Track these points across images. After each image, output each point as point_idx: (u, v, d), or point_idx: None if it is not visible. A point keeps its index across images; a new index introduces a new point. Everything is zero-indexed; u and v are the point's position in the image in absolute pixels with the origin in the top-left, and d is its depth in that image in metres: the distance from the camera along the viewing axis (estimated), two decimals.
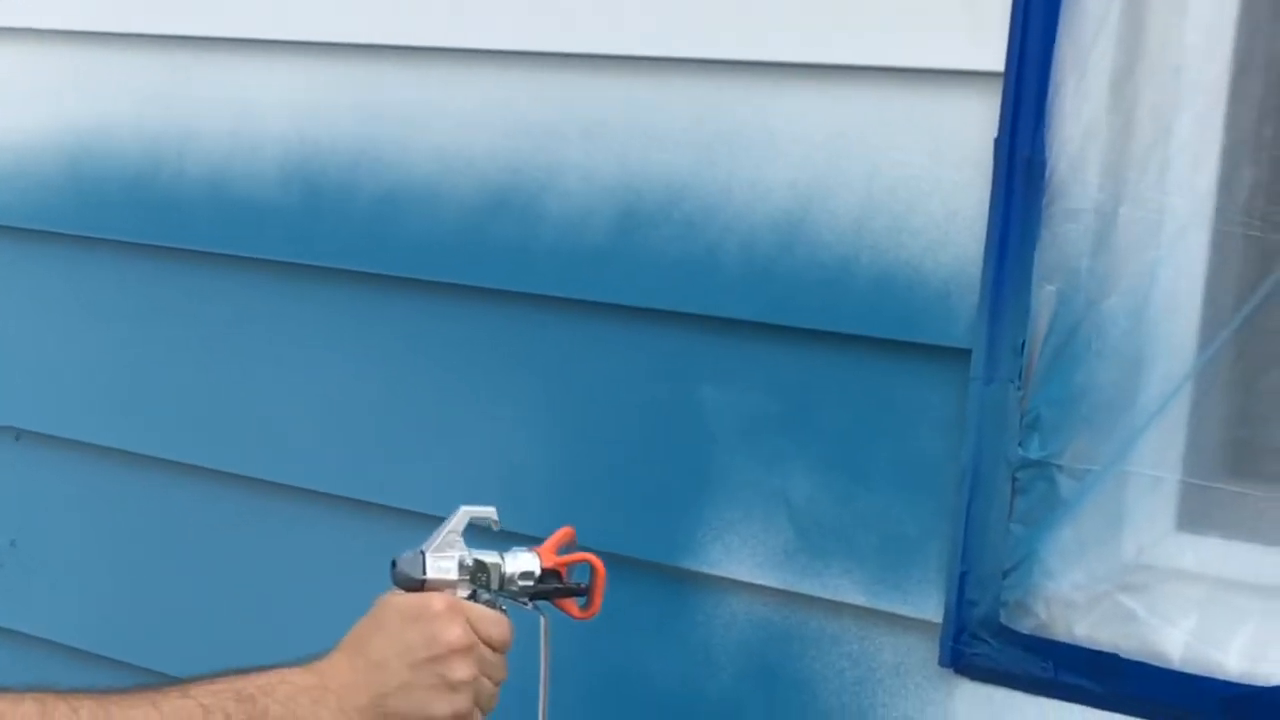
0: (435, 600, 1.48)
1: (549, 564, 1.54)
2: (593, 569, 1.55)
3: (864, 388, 1.90)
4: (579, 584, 1.55)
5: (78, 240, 2.51)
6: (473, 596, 1.50)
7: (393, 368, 2.24)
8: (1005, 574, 1.81)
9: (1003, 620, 1.81)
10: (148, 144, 2.42)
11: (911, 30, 1.86)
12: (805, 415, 1.94)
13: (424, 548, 1.49)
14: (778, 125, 1.94)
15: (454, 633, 1.46)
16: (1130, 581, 1.75)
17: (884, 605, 1.89)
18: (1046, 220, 1.79)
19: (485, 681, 1.50)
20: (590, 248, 2.07)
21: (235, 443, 2.36)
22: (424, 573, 1.49)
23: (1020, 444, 1.80)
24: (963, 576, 1.84)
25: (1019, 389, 1.80)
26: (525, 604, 1.53)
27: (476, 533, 1.57)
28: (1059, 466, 1.79)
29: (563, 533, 1.57)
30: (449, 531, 1.50)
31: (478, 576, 1.51)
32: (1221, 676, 1.69)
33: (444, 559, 1.50)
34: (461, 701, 1.47)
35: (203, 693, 1.39)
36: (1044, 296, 1.79)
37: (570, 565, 1.55)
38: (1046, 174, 1.78)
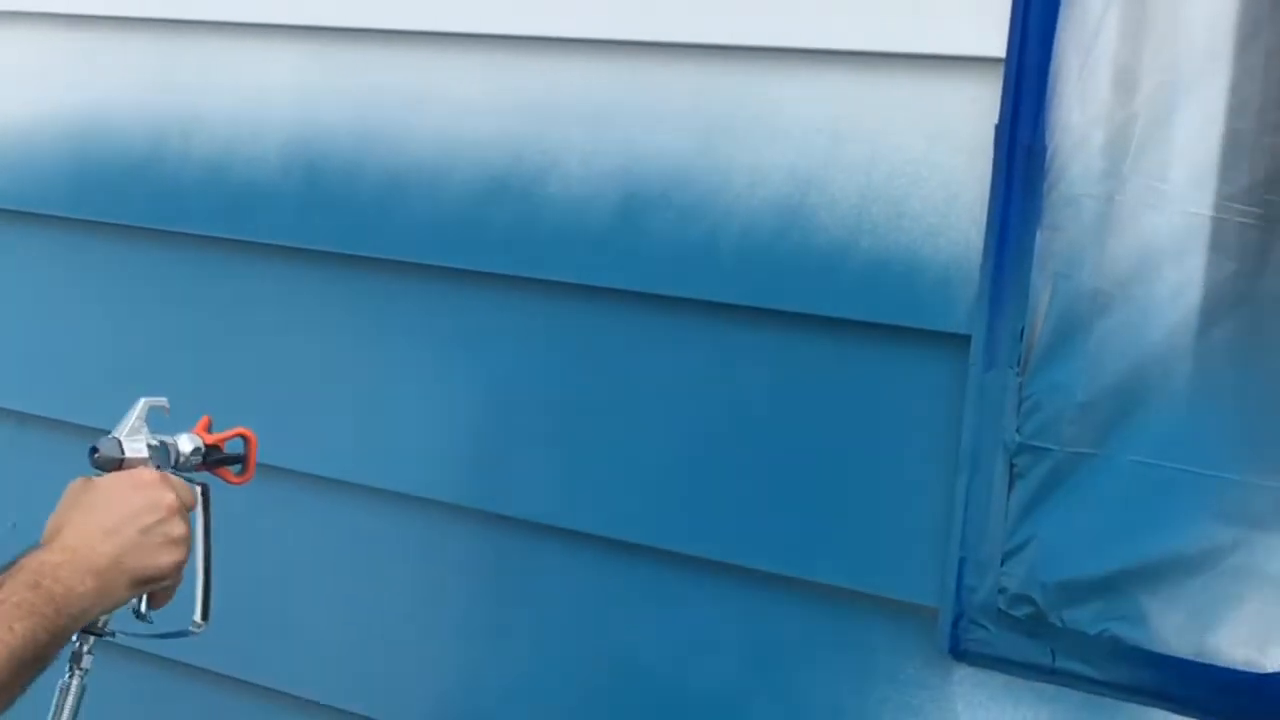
0: (147, 473, 1.73)
1: (210, 441, 1.82)
2: (245, 440, 1.83)
3: (863, 373, 1.90)
4: (236, 454, 1.83)
5: (81, 224, 2.51)
6: (156, 469, 1.76)
7: (394, 352, 2.24)
8: (1004, 560, 1.81)
9: (1002, 606, 1.81)
10: (151, 128, 2.42)
11: (912, 15, 1.85)
12: (804, 400, 1.94)
13: (117, 433, 1.75)
14: (777, 110, 1.94)
15: (169, 497, 1.70)
16: (1129, 568, 1.74)
17: (883, 592, 1.90)
18: (1047, 207, 1.78)
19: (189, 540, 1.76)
20: (591, 232, 2.07)
21: (238, 426, 2.36)
22: (123, 453, 1.74)
23: (1019, 430, 1.80)
24: (961, 562, 1.84)
25: (1018, 375, 1.80)
26: (188, 477, 1.79)
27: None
28: (1058, 452, 1.78)
29: (205, 419, 1.82)
30: (134, 418, 1.76)
31: (158, 454, 1.78)
32: (1221, 663, 1.69)
33: (135, 441, 1.76)
34: (181, 552, 1.71)
35: (9, 593, 1.56)
36: (1044, 283, 1.79)
37: (227, 440, 1.83)
38: (1047, 160, 1.78)
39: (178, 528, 1.71)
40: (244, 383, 2.37)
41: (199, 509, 1.79)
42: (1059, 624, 1.78)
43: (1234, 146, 1.74)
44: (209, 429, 1.83)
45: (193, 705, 2.41)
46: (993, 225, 1.81)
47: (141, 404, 1.78)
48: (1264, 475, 1.70)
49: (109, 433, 1.75)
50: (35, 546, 1.63)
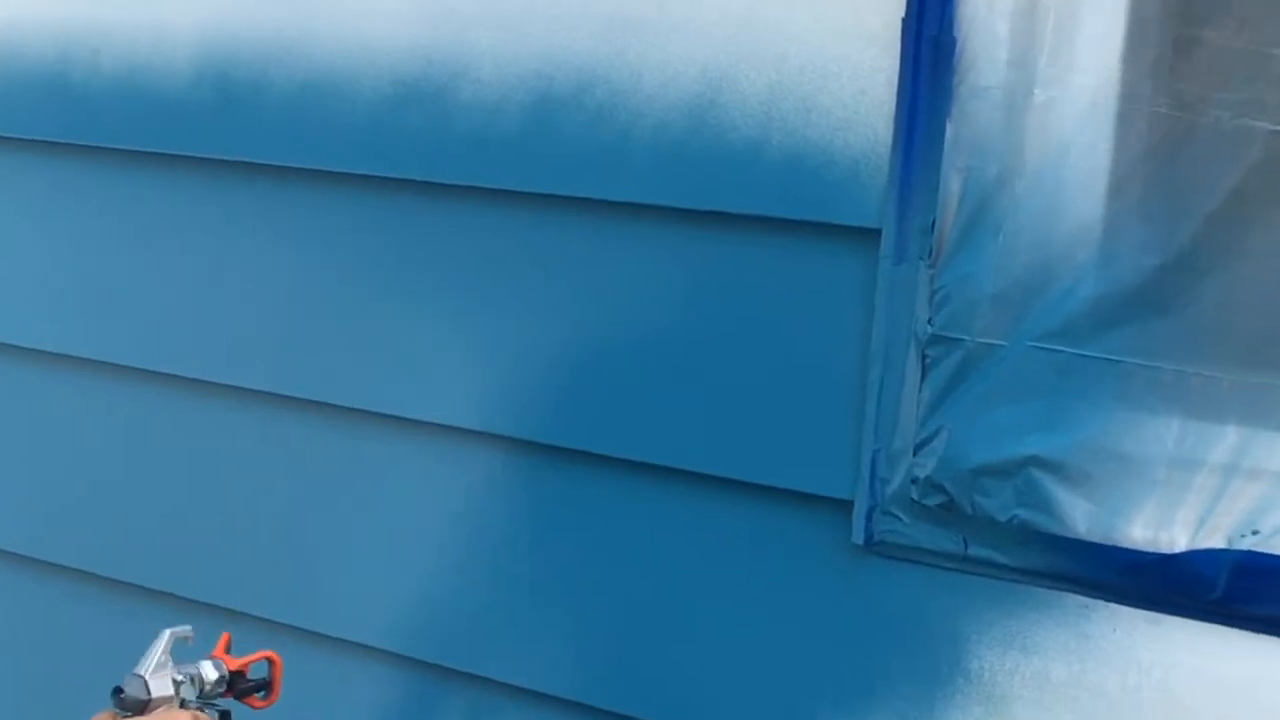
0: (179, 715, 1.72)
1: (233, 667, 1.79)
2: (270, 663, 1.81)
3: (776, 270, 1.91)
4: (261, 679, 1.80)
5: None
6: (183, 705, 1.74)
7: (307, 259, 2.23)
8: (916, 450, 1.83)
9: (914, 496, 1.83)
10: (58, 41, 2.39)
11: None
12: (717, 299, 1.95)
13: (142, 672, 1.72)
14: (689, 8, 1.94)
15: None
16: (1039, 455, 1.76)
17: (799, 486, 1.91)
18: (955, 99, 1.79)
19: None
20: (504, 137, 2.06)
21: (157, 340, 2.36)
22: (149, 694, 1.72)
23: (930, 321, 1.82)
24: (875, 454, 1.86)
25: (929, 267, 1.82)
26: (212, 705, 1.77)
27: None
28: (969, 343, 1.80)
29: (225, 638, 1.79)
30: (159, 653, 1.73)
31: (184, 689, 1.75)
32: (1127, 545, 1.71)
33: (160, 679, 1.73)
34: None
35: None
36: (954, 175, 1.80)
37: (251, 663, 1.80)
38: (955, 53, 1.79)
39: None
40: (160, 294, 2.36)
41: None
42: (970, 512, 1.80)
43: (1141, 34, 1.75)
44: (228, 649, 1.80)
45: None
46: (902, 119, 1.82)
47: (166, 636, 1.74)
48: (1170, 360, 1.72)
49: (133, 669, 1.71)
50: None
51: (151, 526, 2.41)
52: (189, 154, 2.30)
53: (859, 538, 1.87)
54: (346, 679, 2.25)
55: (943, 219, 1.81)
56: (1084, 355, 1.76)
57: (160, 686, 1.72)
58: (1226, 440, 1.69)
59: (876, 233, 1.84)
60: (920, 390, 1.83)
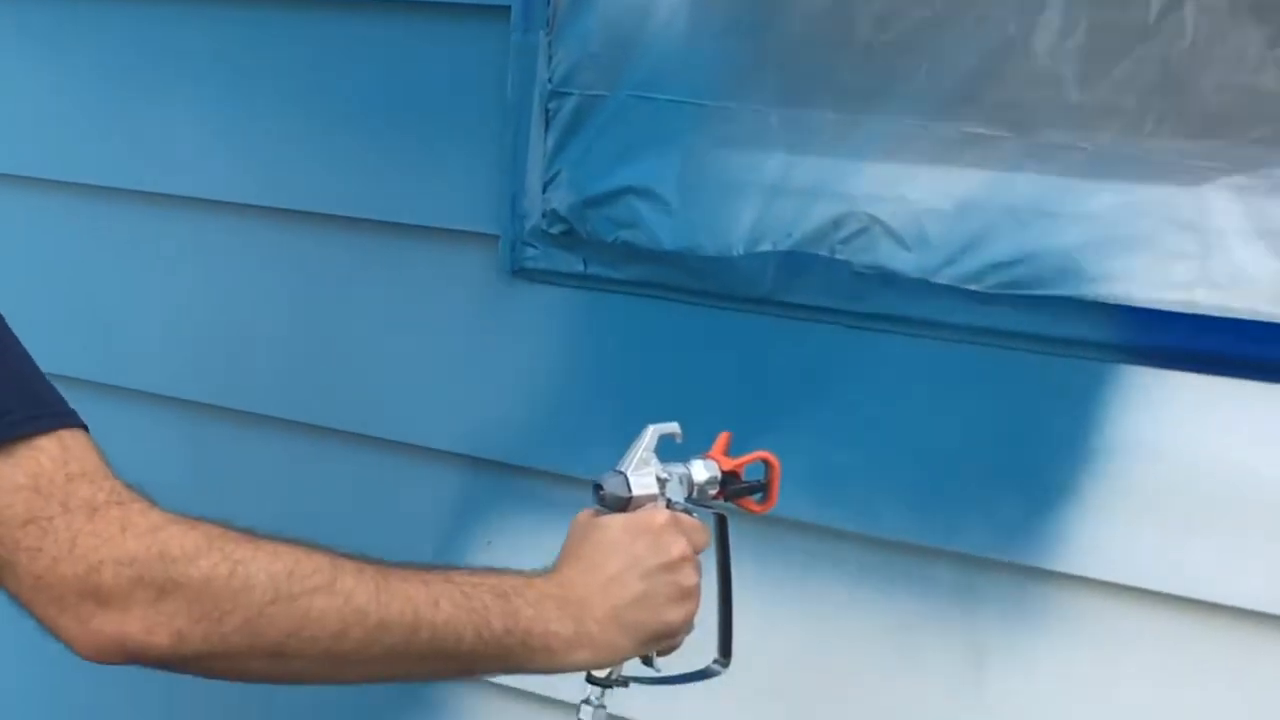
0: (656, 515, 1.58)
1: (727, 467, 1.65)
2: (768, 465, 1.66)
3: (427, 42, 2.27)
4: (757, 481, 1.66)
5: None
6: (669, 505, 1.61)
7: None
8: (544, 189, 2.20)
9: (544, 228, 2.20)
10: None
11: None
12: (381, 69, 2.30)
13: (623, 468, 1.60)
14: None
15: (679, 543, 1.57)
16: (634, 185, 2.13)
17: (453, 224, 2.28)
18: None
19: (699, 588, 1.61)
20: None
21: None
22: (630, 491, 1.59)
23: (550, 80, 2.18)
24: (514, 195, 2.22)
25: (547, 35, 2.17)
26: (706, 507, 1.65)
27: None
28: (579, 95, 2.16)
29: (723, 437, 1.67)
30: (643, 449, 1.61)
31: (670, 487, 1.62)
32: (700, 253, 2.09)
33: (643, 476, 1.60)
34: (691, 605, 1.59)
35: (465, 581, 1.48)
36: None
37: (746, 465, 1.67)
38: None
39: (688, 577, 1.58)
40: None
41: (714, 542, 1.65)
42: (585, 236, 2.17)
43: None
44: (727, 450, 1.67)
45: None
46: None
47: (650, 432, 1.62)
48: (732, 100, 2.08)
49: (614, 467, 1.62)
50: (540, 570, 1.56)
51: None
52: None
53: (507, 266, 2.25)
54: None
55: None
56: (670, 100, 2.12)
57: (643, 484, 1.60)
58: (774, 165, 2.05)
59: (507, 9, 2.19)
60: (545, 139, 2.20)
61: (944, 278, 1.92)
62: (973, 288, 1.90)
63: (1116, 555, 1.85)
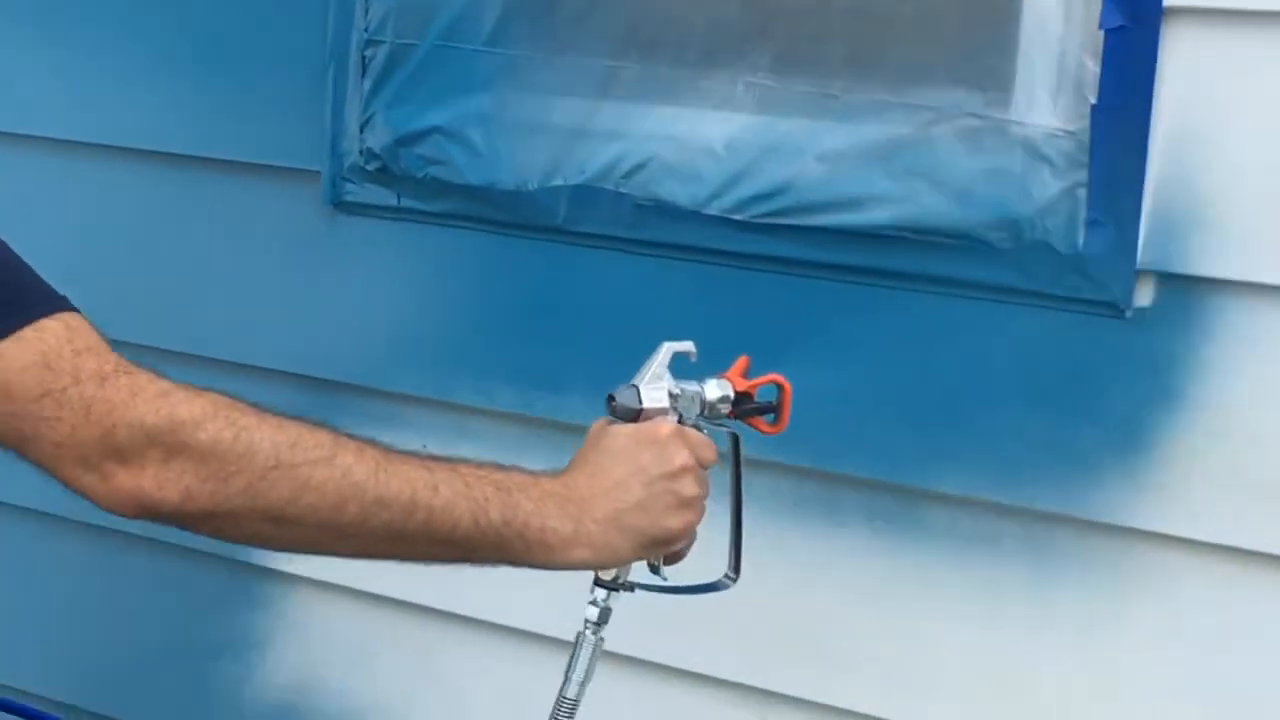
0: (663, 426, 1.63)
1: (740, 388, 1.69)
2: (780, 388, 1.70)
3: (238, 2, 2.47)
4: (768, 402, 1.70)
5: None
6: (680, 421, 1.66)
7: None
8: (361, 129, 2.41)
9: (362, 164, 2.41)
10: None
11: None
12: (200, 26, 2.51)
13: (636, 381, 1.65)
14: None
15: (682, 454, 1.61)
16: (441, 126, 2.35)
17: (281, 162, 2.49)
18: None
19: (704, 499, 1.66)
20: None
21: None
22: (640, 403, 1.64)
23: (366, 29, 2.39)
24: (335, 135, 2.43)
25: None
26: (720, 426, 1.70)
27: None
28: (392, 43, 2.37)
29: (742, 361, 1.71)
30: (656, 365, 1.66)
31: (683, 403, 1.67)
32: (500, 188, 2.31)
33: (655, 390, 1.65)
34: (691, 515, 1.63)
35: (468, 472, 1.55)
36: None
37: (759, 386, 1.70)
38: None
39: (689, 487, 1.62)
40: None
41: (729, 459, 1.70)
42: (398, 172, 2.39)
43: None
44: (745, 373, 1.71)
45: None
46: None
47: (664, 350, 1.67)
48: (531, 49, 2.30)
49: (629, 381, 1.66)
50: (549, 471, 1.61)
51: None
52: None
53: (328, 200, 2.46)
54: None
55: None
56: (473, 49, 2.34)
57: (654, 398, 1.64)
58: (569, 109, 2.28)
59: None
60: (362, 83, 2.41)
61: (713, 209, 2.16)
62: (736, 217, 2.15)
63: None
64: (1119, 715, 1.99)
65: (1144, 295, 1.93)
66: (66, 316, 1.45)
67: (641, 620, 1.72)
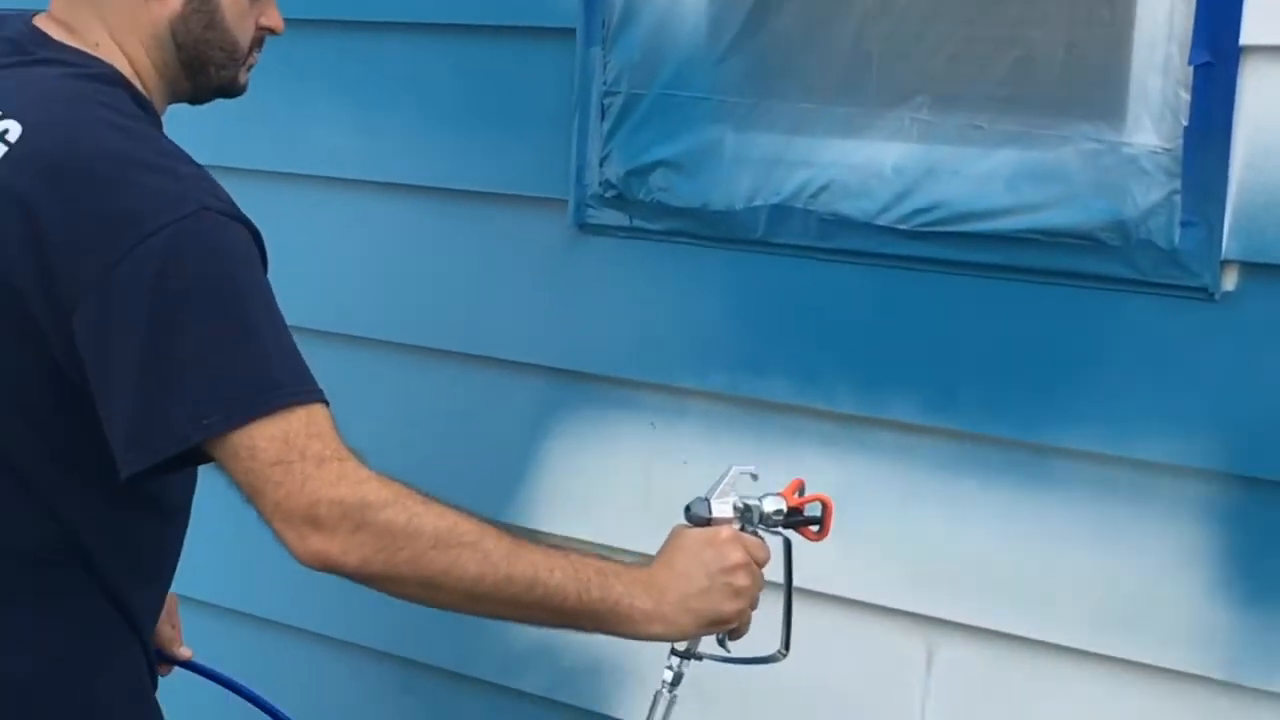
0: (724, 531, 2.00)
1: (792, 503, 2.03)
2: (824, 505, 2.02)
3: (515, 53, 3.02)
4: (814, 516, 2.04)
5: None
6: (742, 528, 2.03)
7: None
8: (600, 163, 2.94)
9: (600, 192, 2.94)
10: None
11: None
12: (478, 81, 3.06)
13: (708, 495, 2.03)
14: None
15: (738, 554, 1.98)
16: (664, 159, 2.87)
17: (534, 192, 3.03)
18: None
19: (755, 590, 2.03)
20: None
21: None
22: (710, 513, 2.02)
23: (605, 82, 2.93)
24: (579, 167, 2.96)
25: (604, 49, 2.92)
26: (775, 533, 2.05)
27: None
28: (626, 93, 2.90)
29: (795, 482, 2.05)
30: (724, 484, 2.03)
31: (744, 514, 2.03)
32: (713, 209, 2.82)
33: (722, 503, 2.02)
34: (743, 602, 1.99)
35: (578, 559, 1.94)
36: None
37: (808, 504, 2.04)
38: None
39: (742, 580, 1.97)
40: None
41: (781, 559, 2.04)
42: (630, 198, 2.91)
43: None
44: (799, 492, 2.03)
45: None
46: None
47: (732, 472, 2.04)
48: (735, 95, 2.81)
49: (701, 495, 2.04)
50: (639, 562, 1.99)
51: None
52: None
53: (574, 222, 2.99)
54: None
55: (609, 18, 2.91)
56: (690, 96, 2.86)
57: (720, 509, 2.01)
58: (767, 143, 2.79)
59: (573, 30, 2.94)
60: (601, 125, 2.94)
61: (883, 221, 2.64)
62: (902, 227, 2.63)
63: None
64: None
65: (1229, 281, 2.36)
66: (315, 408, 1.85)
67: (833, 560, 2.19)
